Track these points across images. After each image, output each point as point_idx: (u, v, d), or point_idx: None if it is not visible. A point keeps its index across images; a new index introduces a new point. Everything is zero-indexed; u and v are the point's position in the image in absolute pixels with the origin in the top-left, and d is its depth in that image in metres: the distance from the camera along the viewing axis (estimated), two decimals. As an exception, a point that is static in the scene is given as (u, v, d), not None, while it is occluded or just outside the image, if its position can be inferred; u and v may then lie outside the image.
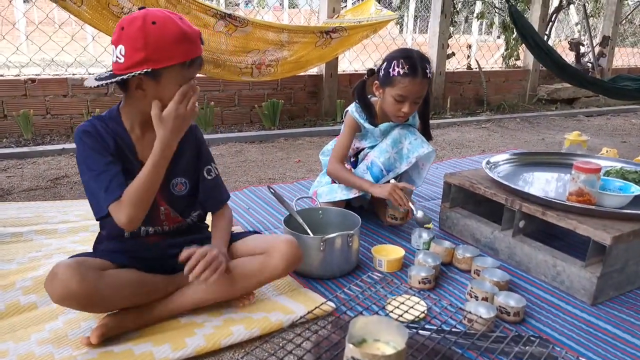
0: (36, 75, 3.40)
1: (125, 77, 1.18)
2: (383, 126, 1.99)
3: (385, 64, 1.88)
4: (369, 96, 1.99)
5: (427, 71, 1.83)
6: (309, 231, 1.70)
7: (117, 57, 1.19)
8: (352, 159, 2.10)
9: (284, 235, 1.54)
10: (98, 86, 1.22)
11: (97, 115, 1.32)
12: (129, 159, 1.31)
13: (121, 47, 1.18)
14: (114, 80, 1.19)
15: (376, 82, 1.93)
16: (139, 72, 1.17)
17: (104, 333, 1.25)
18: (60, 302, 1.19)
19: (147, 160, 1.24)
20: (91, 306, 1.25)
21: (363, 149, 2.07)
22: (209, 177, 1.45)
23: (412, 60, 1.82)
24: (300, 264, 1.46)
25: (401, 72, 1.81)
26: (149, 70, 1.17)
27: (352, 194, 1.97)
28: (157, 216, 1.39)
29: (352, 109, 2.00)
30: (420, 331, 1.19)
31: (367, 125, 1.97)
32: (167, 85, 1.22)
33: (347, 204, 2.12)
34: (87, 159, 1.25)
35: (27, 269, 1.59)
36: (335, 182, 2.04)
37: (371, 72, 1.96)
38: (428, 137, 2.04)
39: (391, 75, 1.83)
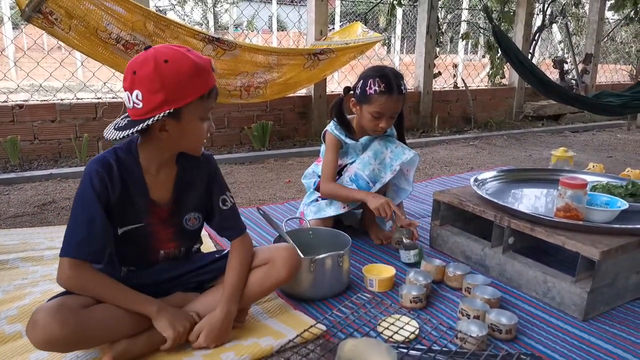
0: (24, 101, 3.39)
1: (149, 122, 1.14)
2: (364, 140, 2.02)
3: (361, 82, 1.92)
4: (345, 114, 2.03)
5: (402, 88, 1.89)
6: (299, 252, 1.69)
7: (134, 102, 1.16)
8: (336, 177, 2.10)
9: (282, 244, 1.54)
10: (122, 138, 1.17)
11: (112, 149, 1.27)
12: (138, 198, 1.28)
13: (137, 92, 1.15)
14: (137, 129, 1.16)
15: (353, 99, 1.97)
16: (161, 115, 1.14)
17: (114, 358, 1.22)
18: (44, 349, 1.15)
19: (134, 304, 1.24)
20: (76, 347, 1.21)
21: (345, 166, 2.07)
22: (225, 208, 1.42)
23: (387, 78, 1.86)
24: (299, 270, 1.48)
25: (377, 90, 1.85)
26: (171, 110, 1.15)
27: (342, 210, 1.98)
28: (156, 260, 1.39)
29: (331, 127, 2.02)
30: (411, 351, 1.18)
31: (347, 140, 2.00)
32: (190, 122, 1.21)
33: (338, 222, 2.12)
34: (85, 198, 1.21)
35: (13, 298, 1.55)
36: (320, 200, 2.04)
37: (347, 90, 2.00)
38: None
39: (368, 93, 1.88)
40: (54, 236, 2.09)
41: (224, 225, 1.43)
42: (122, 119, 1.24)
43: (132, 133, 1.17)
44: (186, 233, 1.40)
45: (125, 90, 1.18)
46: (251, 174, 3.28)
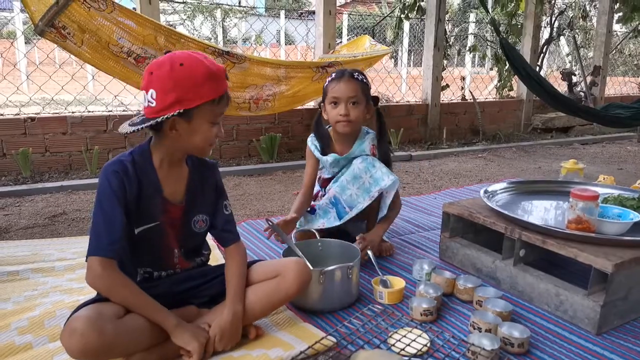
0: (36, 114, 3.43)
1: (159, 119, 1.21)
2: (331, 157, 2.00)
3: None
4: (327, 127, 2.06)
5: (355, 74, 1.92)
6: (308, 264, 1.68)
7: (148, 101, 1.23)
8: (321, 190, 2.11)
9: (293, 257, 1.55)
10: (133, 131, 1.24)
11: (128, 152, 1.33)
12: (152, 197, 1.33)
13: (152, 91, 1.22)
14: (148, 124, 1.23)
15: (322, 104, 2.01)
16: (172, 114, 1.21)
17: None
18: (79, 357, 1.16)
19: (155, 313, 1.27)
20: (107, 356, 1.22)
21: (329, 180, 2.07)
22: (226, 212, 1.49)
23: (340, 70, 1.97)
24: (309, 283, 1.49)
25: (329, 79, 1.96)
26: (181, 111, 1.21)
27: (320, 225, 1.99)
28: (171, 259, 1.42)
29: (310, 138, 2.07)
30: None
31: (316, 154, 2.02)
32: (199, 124, 1.27)
33: (344, 235, 2.11)
34: (104, 200, 1.25)
35: (24, 309, 1.56)
36: (309, 212, 2.07)
37: (319, 103, 2.05)
38: (387, 163, 1.99)
39: (324, 88, 1.97)
40: (64, 247, 2.10)
41: (225, 228, 1.48)
42: (136, 117, 1.30)
43: (144, 127, 1.23)
44: (193, 235, 1.44)
45: (142, 89, 1.25)
46: (260, 185, 3.28)
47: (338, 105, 1.92)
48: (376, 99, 2.03)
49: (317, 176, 2.11)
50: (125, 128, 1.28)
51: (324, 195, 2.08)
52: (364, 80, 1.96)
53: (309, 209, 2.08)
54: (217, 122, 1.31)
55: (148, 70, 1.24)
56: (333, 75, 1.96)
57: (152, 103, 1.22)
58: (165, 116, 1.21)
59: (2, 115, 3.41)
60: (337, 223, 1.97)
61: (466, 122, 5.26)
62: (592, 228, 1.60)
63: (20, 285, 1.76)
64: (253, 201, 2.92)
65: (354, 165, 1.97)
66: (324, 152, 2.02)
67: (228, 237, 1.48)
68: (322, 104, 2.01)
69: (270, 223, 1.77)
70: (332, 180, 2.04)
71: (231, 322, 1.35)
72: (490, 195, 2.02)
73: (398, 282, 1.74)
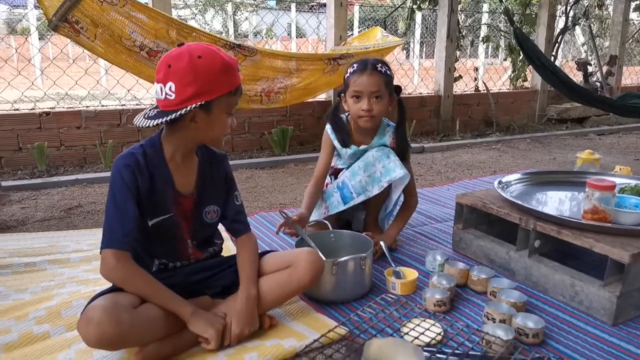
0: (50, 108, 3.47)
1: (182, 112, 1.21)
2: (351, 150, 1.96)
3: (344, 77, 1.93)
4: (345, 115, 2.01)
5: (378, 66, 1.85)
6: (321, 255, 1.69)
7: (166, 94, 1.22)
8: (331, 176, 2.09)
9: (305, 248, 1.55)
10: (152, 125, 1.24)
11: (138, 145, 1.33)
12: (164, 189, 1.33)
13: (170, 84, 1.22)
14: (170, 117, 1.22)
15: (342, 95, 1.95)
16: (193, 106, 1.21)
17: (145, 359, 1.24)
18: (95, 346, 1.17)
19: (170, 302, 1.28)
20: (123, 346, 1.24)
21: (341, 170, 2.05)
22: (237, 203, 1.50)
23: (362, 60, 1.88)
24: (322, 274, 1.49)
25: (351, 71, 1.88)
26: (202, 103, 1.22)
27: (322, 216, 1.98)
28: (185, 250, 1.43)
29: (328, 126, 2.02)
30: (437, 354, 1.17)
31: (337, 144, 1.98)
32: (218, 115, 1.28)
33: (347, 226, 2.11)
34: (117, 193, 1.26)
35: (42, 299, 1.58)
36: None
37: (339, 94, 1.98)
38: (402, 157, 1.96)
39: (346, 79, 1.90)
40: (80, 239, 2.13)
41: (236, 219, 1.49)
42: (150, 110, 1.30)
43: (165, 121, 1.23)
44: (205, 226, 1.45)
45: (159, 82, 1.24)
46: (272, 178, 3.29)
47: (360, 100, 1.86)
48: (398, 89, 1.98)
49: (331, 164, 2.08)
50: (143, 122, 1.26)
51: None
52: (387, 72, 1.88)
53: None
54: (232, 113, 1.33)
55: (165, 63, 1.23)
56: (355, 66, 1.88)
57: (171, 96, 1.22)
58: (187, 108, 1.21)
59: (17, 110, 3.46)
60: (342, 208, 1.95)
61: (479, 113, 5.21)
62: (609, 218, 1.57)
63: (37, 276, 1.78)
64: (265, 194, 2.93)
65: (368, 154, 1.94)
66: (344, 144, 1.98)
67: (239, 228, 1.49)
68: (342, 94, 1.95)
69: (284, 215, 1.77)
70: (345, 169, 2.02)
71: (246, 305, 1.36)
72: (505, 186, 2.00)
73: (411, 273, 1.73)
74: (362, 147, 1.98)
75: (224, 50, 1.31)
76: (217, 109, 1.27)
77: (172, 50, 1.25)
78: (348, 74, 1.89)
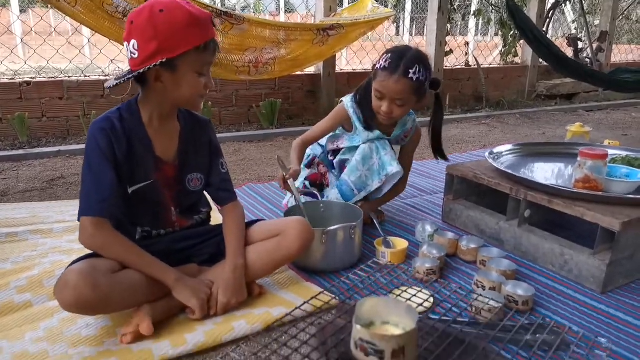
0: (32, 78, 3.36)
1: (140, 71, 1.16)
2: (375, 135, 1.84)
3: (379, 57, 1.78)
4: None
5: (411, 71, 1.65)
6: (307, 223, 1.66)
7: (131, 52, 1.17)
8: (330, 157, 2.01)
9: (295, 217, 1.51)
10: (117, 84, 1.19)
11: (115, 108, 1.28)
12: (144, 155, 1.28)
13: (133, 41, 1.16)
14: (130, 76, 1.17)
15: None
16: (154, 64, 1.14)
17: (151, 320, 1.21)
18: (71, 310, 1.14)
19: (153, 268, 1.24)
20: (102, 311, 1.21)
21: (341, 150, 1.95)
22: (223, 171, 1.45)
23: (398, 55, 1.68)
24: (312, 244, 1.46)
25: (382, 65, 1.70)
26: (164, 60, 1.15)
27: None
28: (169, 218, 1.39)
29: (347, 99, 1.88)
30: (425, 321, 1.15)
31: (358, 125, 1.85)
32: (184, 74, 1.21)
33: None
34: (92, 158, 1.22)
35: (23, 269, 1.54)
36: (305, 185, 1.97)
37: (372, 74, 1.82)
38: (440, 155, 1.94)
39: (376, 67, 1.73)
40: (63, 210, 2.08)
41: (222, 187, 1.44)
42: (124, 72, 1.25)
43: (128, 79, 1.18)
44: (188, 194, 1.40)
45: (124, 41, 1.19)
46: (260, 151, 3.24)
47: (383, 101, 1.72)
48: (436, 84, 1.80)
49: (332, 142, 1.98)
50: (110, 82, 1.23)
51: (330, 162, 1.98)
52: (420, 78, 1.68)
53: (308, 193, 1.95)
54: (204, 73, 1.24)
55: (129, 20, 1.17)
56: (388, 59, 1.68)
57: (135, 54, 1.17)
58: (147, 67, 1.15)
59: (-3, 80, 3.35)
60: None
61: (470, 88, 5.17)
62: (600, 187, 1.56)
63: (18, 246, 1.74)
64: (253, 166, 2.88)
65: (365, 145, 1.84)
66: (368, 127, 1.85)
67: (224, 196, 1.45)
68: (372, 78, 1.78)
69: (282, 163, 1.67)
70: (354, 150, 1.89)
71: (233, 274, 1.33)
72: (496, 157, 1.98)
73: (401, 243, 1.72)
74: (391, 135, 1.88)
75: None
76: (183, 67, 1.19)
77: (138, 7, 1.19)
78: (378, 64, 1.72)
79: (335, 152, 1.98)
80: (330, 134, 1.96)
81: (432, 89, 1.81)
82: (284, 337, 1.04)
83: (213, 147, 1.44)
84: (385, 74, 1.68)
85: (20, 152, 2.94)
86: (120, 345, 1.19)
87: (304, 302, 1.26)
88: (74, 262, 1.22)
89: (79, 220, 1.21)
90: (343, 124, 1.91)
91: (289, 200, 2.02)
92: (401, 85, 1.67)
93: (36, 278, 1.46)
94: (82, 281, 1.10)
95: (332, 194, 1.90)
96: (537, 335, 1.15)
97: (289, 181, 1.63)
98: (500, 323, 1.19)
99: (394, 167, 1.81)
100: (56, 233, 1.85)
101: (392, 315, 0.73)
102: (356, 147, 1.88)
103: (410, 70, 1.66)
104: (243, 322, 1.27)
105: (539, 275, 1.58)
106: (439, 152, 1.96)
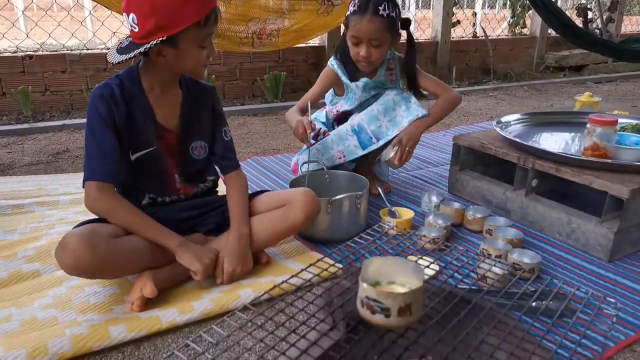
0: (34, 51, 3.33)
1: (142, 49, 1.15)
2: (362, 82, 1.85)
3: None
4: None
5: (380, 8, 1.66)
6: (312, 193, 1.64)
7: (131, 25, 1.16)
8: (333, 124, 2.00)
9: (301, 187, 1.50)
10: (123, 61, 1.17)
11: (115, 75, 1.27)
12: (144, 122, 1.28)
13: (132, 15, 1.14)
14: (134, 53, 1.16)
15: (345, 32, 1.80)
16: (155, 42, 1.13)
17: (156, 285, 1.22)
18: (71, 272, 1.15)
19: (156, 233, 1.24)
20: (102, 275, 1.22)
21: (345, 113, 1.95)
22: (226, 139, 1.44)
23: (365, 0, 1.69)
24: (318, 215, 1.45)
25: (352, 10, 1.71)
26: (164, 38, 1.13)
27: (337, 161, 1.87)
28: (173, 185, 1.39)
29: (331, 60, 1.90)
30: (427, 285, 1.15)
31: (344, 79, 1.86)
32: (187, 49, 1.20)
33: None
34: (93, 125, 1.22)
35: (30, 239, 1.55)
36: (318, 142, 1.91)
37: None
38: (419, 96, 1.90)
39: (346, 17, 1.74)
40: (69, 182, 2.08)
41: (225, 155, 1.44)
42: (126, 39, 1.23)
43: (133, 56, 1.17)
44: (192, 162, 1.40)
45: (123, 11, 1.17)
46: (264, 125, 3.22)
47: (359, 46, 1.73)
48: (406, 23, 1.82)
49: (332, 109, 1.98)
50: (113, 57, 1.20)
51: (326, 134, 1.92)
52: (390, 14, 1.70)
53: (314, 141, 1.89)
54: (206, 45, 1.23)
55: None
56: (357, 3, 1.70)
57: (135, 28, 1.16)
58: (149, 45, 1.14)
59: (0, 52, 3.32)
60: (360, 153, 1.84)
61: (477, 60, 5.09)
62: (609, 154, 1.54)
63: (25, 217, 1.75)
64: (258, 140, 2.87)
65: (387, 97, 1.84)
66: (352, 78, 1.87)
67: (227, 164, 1.44)
68: (345, 31, 1.80)
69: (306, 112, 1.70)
70: (357, 110, 1.91)
71: (238, 244, 1.33)
72: (504, 126, 1.95)
73: (406, 213, 1.71)
74: (374, 78, 1.87)
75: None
76: (185, 42, 1.18)
77: None
78: (349, 12, 1.74)
79: (339, 120, 1.97)
80: (329, 107, 1.97)
81: (403, 28, 1.82)
82: (289, 298, 1.04)
83: (216, 113, 1.42)
84: (356, 17, 1.70)
85: (25, 126, 2.94)
86: (129, 312, 1.21)
87: (303, 269, 1.26)
88: (76, 226, 1.23)
89: (83, 186, 1.21)
90: (333, 85, 1.93)
91: (298, 158, 1.96)
92: (374, 23, 1.68)
93: (44, 248, 1.47)
94: (81, 244, 1.11)
95: (351, 141, 1.84)
96: (542, 302, 1.15)
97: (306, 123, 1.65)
98: (504, 288, 1.19)
99: (419, 111, 1.80)
100: (62, 205, 1.86)
101: (399, 274, 0.73)
102: (351, 112, 1.88)
103: (380, 7, 1.68)
104: (249, 291, 1.27)
105: (545, 244, 1.57)
106: (413, 89, 1.91)
